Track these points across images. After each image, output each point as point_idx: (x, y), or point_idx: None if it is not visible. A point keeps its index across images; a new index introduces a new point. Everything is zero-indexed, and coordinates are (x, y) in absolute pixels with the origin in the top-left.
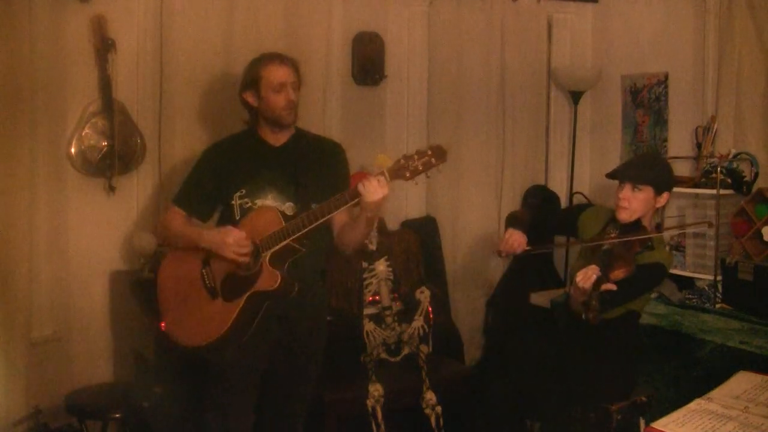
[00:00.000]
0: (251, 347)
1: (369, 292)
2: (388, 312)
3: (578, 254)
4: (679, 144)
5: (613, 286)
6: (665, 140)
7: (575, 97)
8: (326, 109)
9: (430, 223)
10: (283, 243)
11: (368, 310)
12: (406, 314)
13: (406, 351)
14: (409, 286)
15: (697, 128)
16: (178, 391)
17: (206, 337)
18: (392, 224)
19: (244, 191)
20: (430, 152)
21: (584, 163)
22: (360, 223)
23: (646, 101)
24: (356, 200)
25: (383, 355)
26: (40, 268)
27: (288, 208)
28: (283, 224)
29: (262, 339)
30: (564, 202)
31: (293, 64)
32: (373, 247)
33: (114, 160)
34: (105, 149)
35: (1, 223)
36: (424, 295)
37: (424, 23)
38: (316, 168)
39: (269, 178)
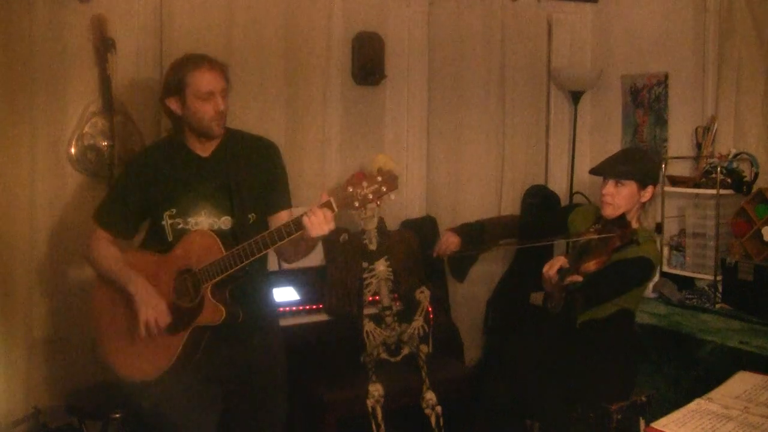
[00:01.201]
0: (202, 371)
1: (369, 292)
2: (388, 312)
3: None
4: (679, 144)
5: (578, 278)
6: (665, 140)
7: (575, 97)
8: (326, 109)
9: (430, 223)
10: (225, 275)
11: (368, 310)
12: (406, 314)
13: (406, 351)
14: (409, 286)
15: (697, 128)
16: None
17: (150, 372)
18: (392, 224)
19: (174, 210)
20: (380, 178)
21: (584, 163)
22: (300, 246)
23: (646, 101)
24: (301, 231)
25: (383, 355)
26: (40, 268)
27: (224, 222)
28: (223, 252)
29: (211, 361)
30: (564, 202)
31: (222, 69)
32: (373, 247)
33: (114, 160)
34: (105, 149)
35: (2, 223)
36: (424, 295)
37: (424, 23)
38: (250, 175)
39: (201, 193)
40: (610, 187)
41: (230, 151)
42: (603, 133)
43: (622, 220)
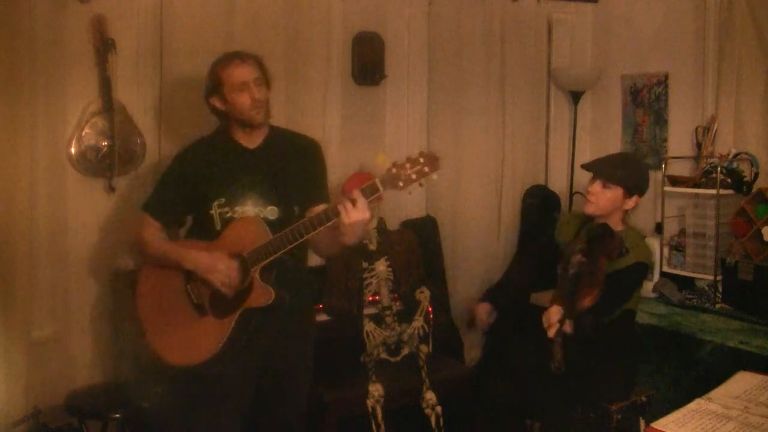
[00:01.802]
0: (241, 358)
1: (369, 292)
2: (388, 312)
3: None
4: (679, 144)
5: (569, 329)
6: (665, 140)
7: (575, 97)
8: (326, 109)
9: (430, 223)
10: (273, 257)
11: (368, 310)
12: (406, 314)
13: (406, 351)
14: (409, 286)
15: (697, 128)
16: (178, 392)
17: (198, 356)
18: (392, 224)
19: (223, 200)
20: (422, 160)
21: None
22: (333, 239)
23: (646, 101)
24: (337, 218)
25: (383, 355)
26: (40, 268)
27: (270, 212)
28: (270, 237)
29: (251, 349)
30: (564, 202)
31: (256, 61)
32: (373, 247)
33: (114, 160)
34: (105, 149)
35: (2, 223)
36: (424, 295)
37: (424, 23)
38: (294, 168)
39: (248, 184)
40: (597, 186)
41: (275, 145)
42: (603, 133)
43: (607, 232)
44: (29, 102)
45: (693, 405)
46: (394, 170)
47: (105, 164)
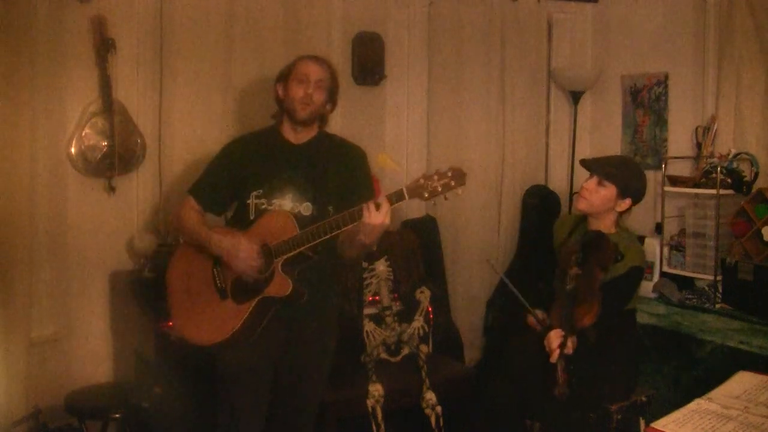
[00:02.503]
0: (259, 348)
1: (369, 292)
2: (388, 312)
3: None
4: (679, 144)
5: (571, 351)
6: (665, 140)
7: (575, 97)
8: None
9: (430, 223)
10: (297, 251)
11: (368, 310)
12: (406, 314)
13: (406, 351)
14: (409, 286)
15: (697, 128)
16: (178, 391)
17: (214, 337)
18: (392, 224)
19: (261, 191)
20: (450, 174)
21: None
22: (355, 241)
23: (646, 101)
24: (361, 219)
25: (383, 355)
26: (40, 268)
27: (305, 208)
28: (298, 231)
29: (269, 339)
30: (564, 202)
31: (329, 68)
32: (373, 247)
33: (114, 160)
34: (105, 149)
35: (2, 223)
36: (424, 295)
37: (424, 23)
38: (336, 170)
39: (288, 177)
40: (591, 183)
41: (320, 146)
42: (603, 133)
43: (601, 241)
44: (29, 102)
45: (693, 405)
46: (422, 181)
47: (105, 164)
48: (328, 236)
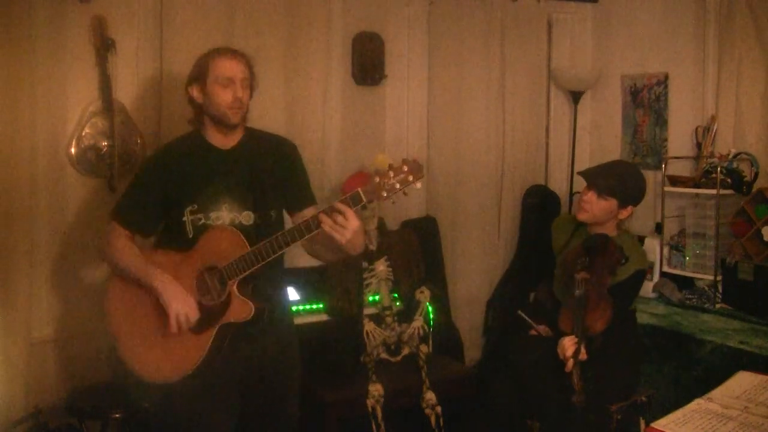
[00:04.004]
0: (223, 372)
1: (369, 292)
2: (388, 312)
3: (557, 263)
4: (679, 144)
5: (585, 357)
6: (665, 140)
7: (575, 97)
8: (326, 109)
9: (430, 223)
10: (252, 270)
11: (368, 310)
12: (406, 314)
13: (406, 351)
14: (409, 286)
15: (697, 128)
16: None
17: (175, 373)
18: (392, 224)
19: (196, 206)
20: (406, 168)
21: (584, 163)
22: (334, 247)
23: (646, 101)
24: (319, 230)
25: (383, 355)
26: (40, 268)
27: (245, 217)
28: (248, 248)
29: (233, 361)
30: (564, 202)
31: (247, 61)
32: (373, 247)
33: (114, 160)
34: (105, 149)
35: (2, 223)
36: (424, 295)
37: (424, 23)
38: (271, 171)
39: (222, 187)
40: (591, 195)
41: (250, 147)
42: (603, 133)
43: (608, 244)
44: (29, 102)
45: (693, 405)
46: (377, 179)
47: (105, 164)
48: (282, 251)
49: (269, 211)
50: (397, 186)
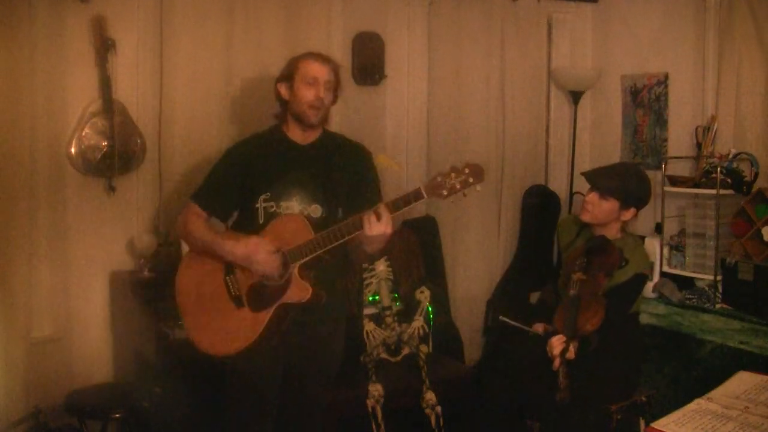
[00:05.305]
0: (271, 352)
1: (369, 292)
2: (388, 312)
3: (563, 261)
4: (679, 144)
5: (573, 356)
6: (665, 140)
7: (575, 97)
8: None
9: (430, 223)
10: (313, 255)
11: (368, 310)
12: (406, 314)
13: (406, 351)
14: (409, 286)
15: (697, 128)
16: (178, 392)
17: (234, 347)
18: (392, 224)
19: (269, 194)
20: (467, 170)
21: (584, 163)
22: (359, 250)
23: (646, 101)
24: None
25: (383, 355)
26: (40, 269)
27: (314, 210)
28: (312, 235)
29: (281, 344)
30: (564, 202)
31: (334, 67)
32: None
33: (114, 160)
34: (105, 149)
35: (2, 223)
36: (424, 295)
37: (424, 23)
38: (344, 171)
39: (296, 179)
40: (594, 196)
41: (326, 146)
42: (603, 133)
43: (606, 247)
44: (29, 102)
45: (693, 405)
46: (439, 179)
47: (105, 164)
48: (344, 239)
49: (337, 207)
50: (458, 186)
